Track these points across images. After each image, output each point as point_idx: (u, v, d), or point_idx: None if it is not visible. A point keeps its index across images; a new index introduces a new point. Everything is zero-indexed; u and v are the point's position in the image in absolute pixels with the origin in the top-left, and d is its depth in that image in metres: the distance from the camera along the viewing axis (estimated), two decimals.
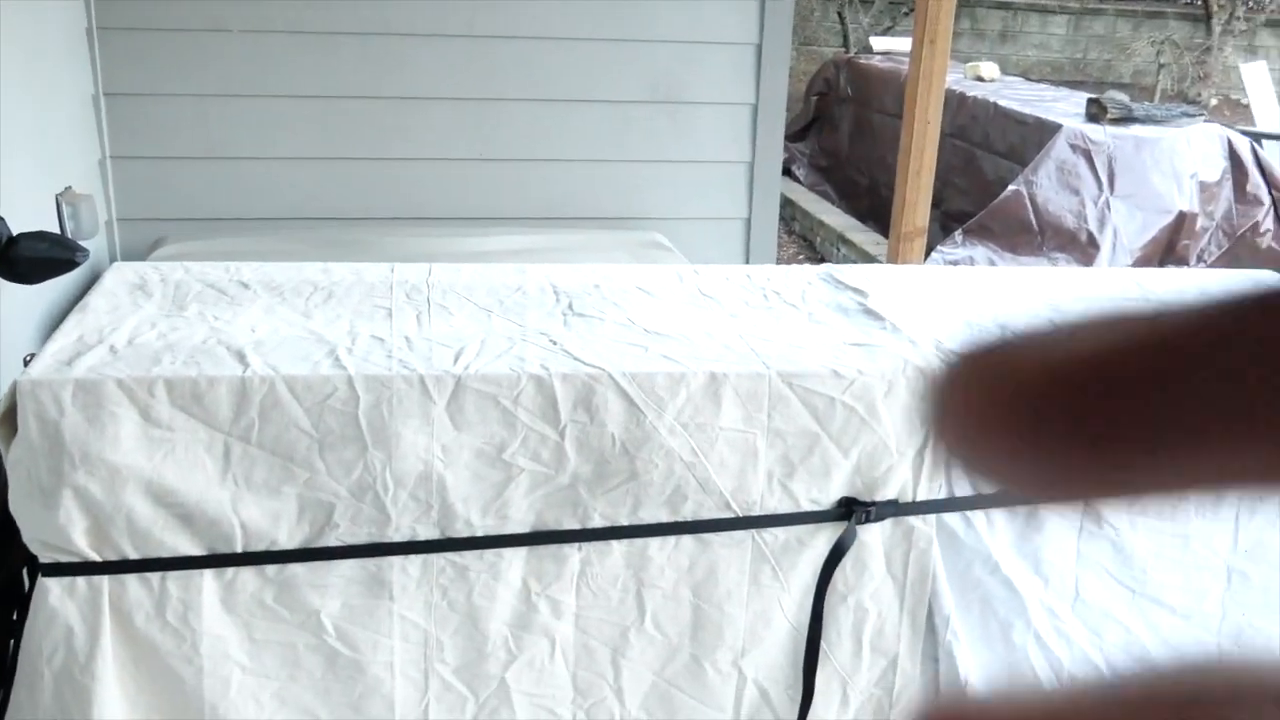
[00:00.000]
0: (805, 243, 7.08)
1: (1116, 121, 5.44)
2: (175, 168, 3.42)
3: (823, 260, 6.52)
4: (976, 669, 1.85)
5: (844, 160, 7.85)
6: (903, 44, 7.90)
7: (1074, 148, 5.26)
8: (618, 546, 1.66)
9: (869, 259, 5.75)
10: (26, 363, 2.21)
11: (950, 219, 5.81)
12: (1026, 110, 5.75)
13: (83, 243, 2.53)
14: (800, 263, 6.33)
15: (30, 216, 2.51)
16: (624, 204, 3.69)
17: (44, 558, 1.51)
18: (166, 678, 1.56)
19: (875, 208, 6.92)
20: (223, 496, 1.51)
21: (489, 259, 2.65)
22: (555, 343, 1.69)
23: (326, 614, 1.59)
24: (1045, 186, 5.21)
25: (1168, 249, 5.47)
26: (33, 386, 1.45)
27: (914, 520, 1.77)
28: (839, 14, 11.12)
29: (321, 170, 3.48)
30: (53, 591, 1.51)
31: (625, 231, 3.58)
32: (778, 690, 1.80)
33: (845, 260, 5.99)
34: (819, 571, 1.75)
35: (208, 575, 1.55)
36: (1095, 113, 5.59)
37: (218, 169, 3.43)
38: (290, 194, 3.48)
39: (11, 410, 1.47)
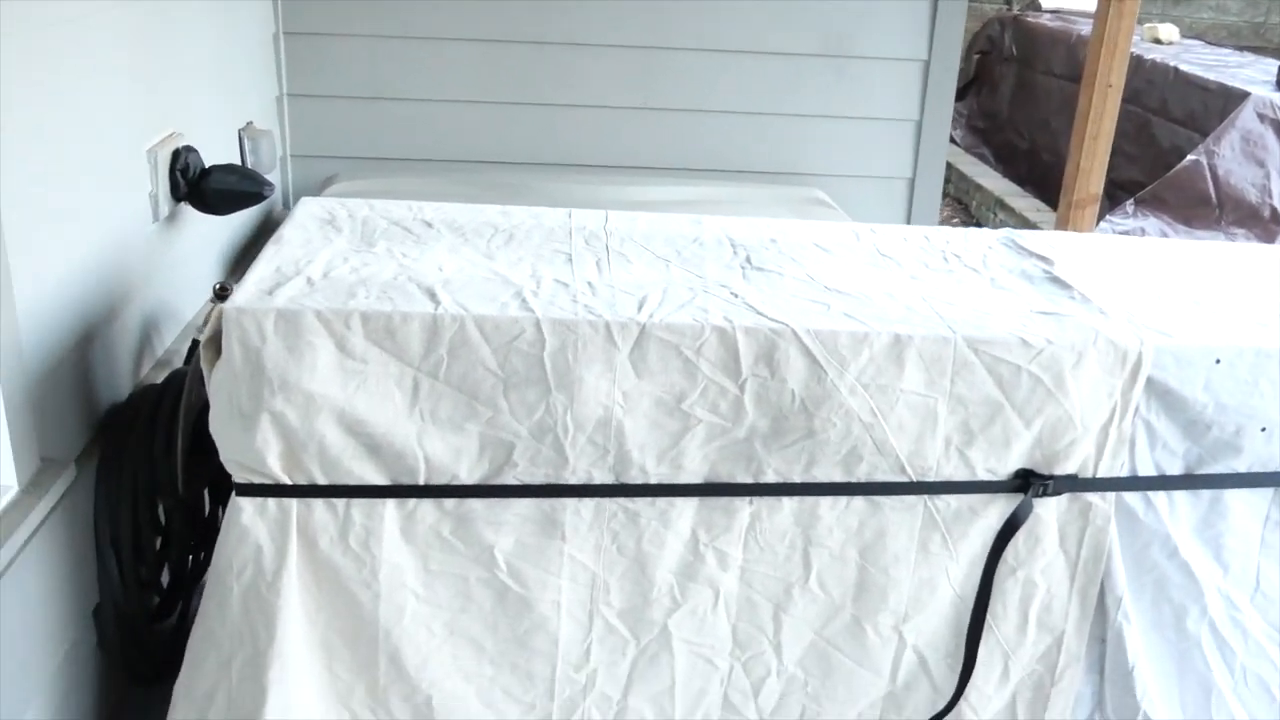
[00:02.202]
0: (960, 205, 6.91)
1: None
2: (348, 107, 3.50)
3: (978, 224, 6.35)
4: (1146, 654, 1.80)
5: (1004, 122, 7.60)
6: (1074, 2, 7.58)
7: (1262, 117, 4.97)
8: (788, 503, 1.66)
9: (1028, 225, 5.56)
10: (216, 291, 2.30)
11: (1117, 188, 5.58)
12: (1210, 76, 5.46)
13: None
14: (954, 226, 6.18)
15: (214, 149, 2.60)
16: (786, 159, 3.65)
17: (238, 478, 1.57)
18: (345, 601, 1.62)
19: (1035, 173, 6.69)
20: (409, 430, 1.55)
21: (652, 209, 2.64)
22: (736, 295, 1.68)
23: (500, 550, 1.63)
24: (1228, 157, 4.94)
25: None
26: (238, 314, 1.51)
27: (1092, 497, 1.72)
28: None
29: (488, 114, 3.53)
30: (245, 511, 1.58)
31: (787, 186, 3.54)
32: (937, 658, 1.78)
33: (1003, 225, 5.81)
34: (990, 542, 1.71)
35: (390, 505, 1.60)
36: None
37: (388, 109, 3.50)
38: (457, 136, 3.54)
39: (216, 336, 1.53)
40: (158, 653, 1.95)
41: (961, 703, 1.77)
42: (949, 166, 7.02)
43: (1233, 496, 1.78)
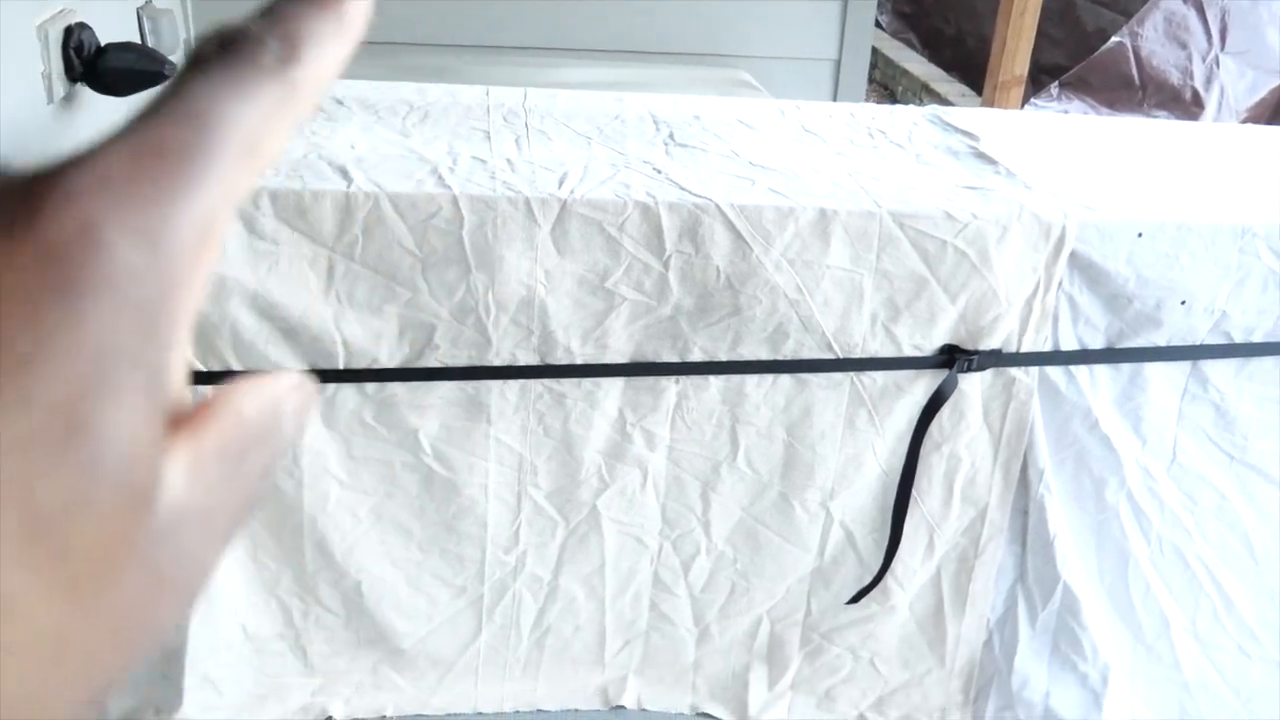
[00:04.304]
0: (885, 91, 6.86)
1: None
2: None
3: None
4: (1066, 525, 1.84)
5: (930, 7, 7.52)
6: None
7: None
8: (715, 382, 1.64)
9: None
10: None
11: (1041, 71, 5.56)
12: None
13: None
14: None
15: (111, 30, 2.46)
16: (708, 40, 3.57)
17: None
18: (267, 489, 1.59)
19: (961, 58, 6.65)
20: (325, 313, 1.50)
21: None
22: (659, 171, 1.64)
23: (424, 434, 1.60)
24: (1151, 39, 4.94)
25: (1276, 111, 5.20)
26: None
27: (1016, 372, 1.73)
28: None
29: None
30: None
31: (710, 68, 3.47)
32: (863, 533, 1.80)
33: None
34: (915, 418, 1.72)
35: None
36: None
37: None
38: (371, 17, 3.40)
39: None
40: None
41: (888, 576, 1.80)
42: (874, 51, 6.96)
43: (1152, 370, 1.80)
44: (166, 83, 0.25)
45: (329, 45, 0.26)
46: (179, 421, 0.23)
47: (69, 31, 2.19)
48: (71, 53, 2.19)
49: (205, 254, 0.23)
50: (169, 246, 0.22)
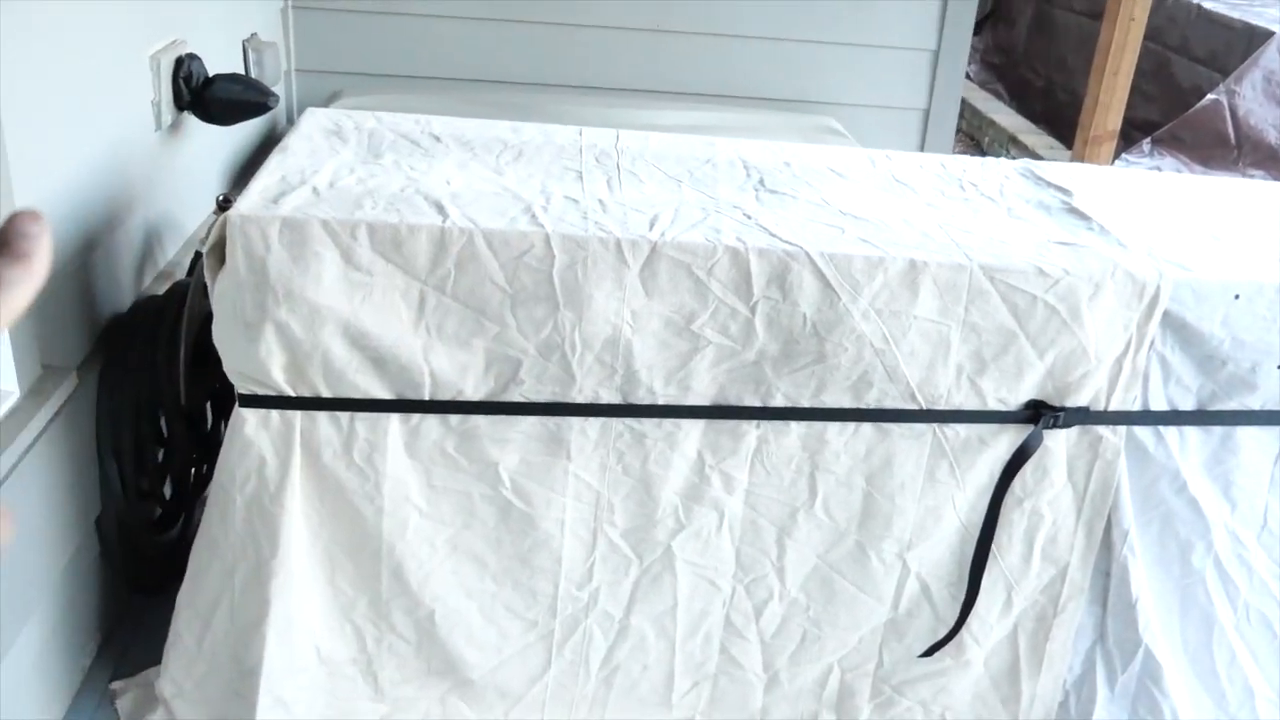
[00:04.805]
0: (972, 141, 6.81)
1: None
2: (355, 21, 3.43)
3: None
4: (1149, 588, 1.80)
5: (1019, 58, 7.47)
6: None
7: None
8: (796, 428, 1.64)
9: None
10: (219, 203, 2.27)
11: (1133, 127, 5.49)
12: (1234, 14, 5.34)
13: None
14: None
15: (218, 61, 2.55)
16: (799, 86, 3.58)
17: (242, 389, 1.56)
18: (349, 514, 1.61)
19: (1050, 111, 6.60)
20: (415, 344, 1.53)
21: (662, 133, 2.60)
22: (749, 217, 1.65)
23: (504, 467, 1.62)
24: (1249, 98, 4.85)
25: None
26: (242, 221, 1.48)
27: (1103, 430, 1.70)
28: None
29: (498, 32, 3.46)
30: (249, 422, 1.56)
31: (799, 114, 3.48)
32: (940, 587, 1.77)
33: None
34: (998, 473, 1.70)
35: (394, 419, 1.58)
36: None
37: (396, 24, 3.43)
38: (466, 54, 3.47)
39: (220, 244, 1.51)
40: (160, 563, 1.95)
41: (963, 632, 1.77)
42: (962, 101, 6.92)
43: (1244, 434, 1.76)
44: None
45: (20, 285, 0.42)
46: None
47: (179, 62, 2.27)
48: (181, 82, 2.27)
49: None
50: None
